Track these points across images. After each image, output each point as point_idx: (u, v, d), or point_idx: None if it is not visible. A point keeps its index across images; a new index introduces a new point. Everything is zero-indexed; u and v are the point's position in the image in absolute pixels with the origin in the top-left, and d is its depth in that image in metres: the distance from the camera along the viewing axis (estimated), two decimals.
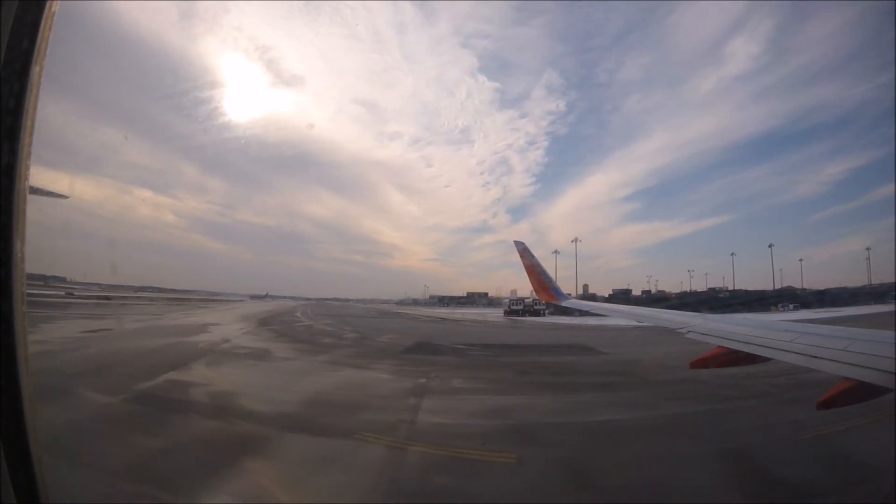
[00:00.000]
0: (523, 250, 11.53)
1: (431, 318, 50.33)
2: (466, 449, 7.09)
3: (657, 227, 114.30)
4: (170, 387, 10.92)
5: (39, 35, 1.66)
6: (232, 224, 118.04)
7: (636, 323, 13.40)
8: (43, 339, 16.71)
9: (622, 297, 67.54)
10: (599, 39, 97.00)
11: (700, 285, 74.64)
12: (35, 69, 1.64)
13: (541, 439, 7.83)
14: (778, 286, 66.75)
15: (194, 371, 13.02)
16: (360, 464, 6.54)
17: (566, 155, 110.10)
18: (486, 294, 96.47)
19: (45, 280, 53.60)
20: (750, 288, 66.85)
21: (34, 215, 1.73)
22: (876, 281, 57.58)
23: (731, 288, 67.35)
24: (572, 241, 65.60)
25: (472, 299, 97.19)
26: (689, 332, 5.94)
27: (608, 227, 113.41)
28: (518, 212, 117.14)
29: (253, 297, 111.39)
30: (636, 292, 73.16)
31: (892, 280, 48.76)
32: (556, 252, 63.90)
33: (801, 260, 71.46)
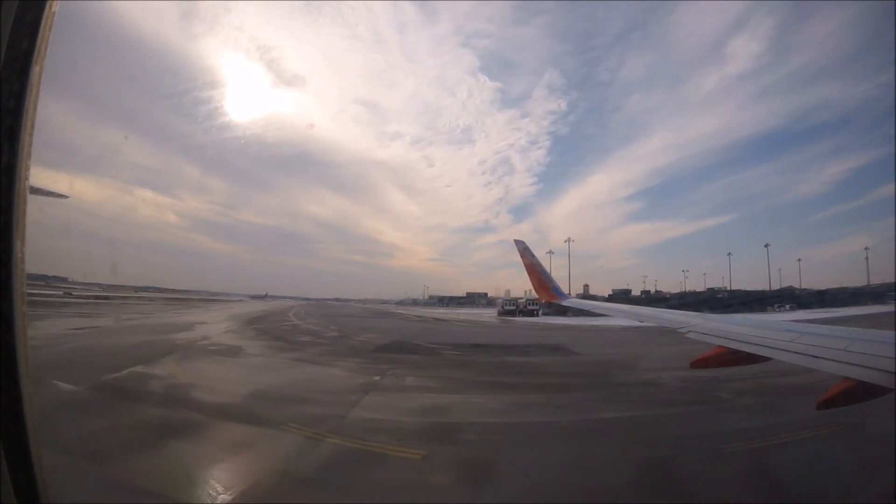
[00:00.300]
0: (523, 249, 11.54)
1: (424, 318, 50.38)
2: (379, 444, 7.28)
3: (659, 227, 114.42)
4: (132, 378, 11.57)
5: (39, 35, 1.66)
6: (233, 224, 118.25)
7: (637, 323, 13.40)
8: (30, 335, 16.92)
9: (622, 297, 67.62)
10: (600, 39, 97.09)
11: (700, 285, 74.73)
12: (35, 69, 1.64)
13: (457, 438, 7.95)
14: (778, 286, 66.82)
15: (161, 365, 13.62)
16: (267, 450, 6.98)
17: (568, 155, 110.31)
18: (485, 294, 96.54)
19: (46, 280, 53.64)
20: (750, 288, 66.95)
21: (34, 215, 1.73)
22: (878, 281, 57.50)
23: (729, 288, 67.40)
24: (565, 241, 65.53)
25: (472, 299, 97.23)
26: (689, 331, 5.93)
27: (610, 226, 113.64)
28: (520, 212, 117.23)
29: (253, 297, 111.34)
30: (636, 292, 73.32)
31: (892, 280, 48.73)
32: (550, 252, 63.84)
33: (799, 260, 71.53)
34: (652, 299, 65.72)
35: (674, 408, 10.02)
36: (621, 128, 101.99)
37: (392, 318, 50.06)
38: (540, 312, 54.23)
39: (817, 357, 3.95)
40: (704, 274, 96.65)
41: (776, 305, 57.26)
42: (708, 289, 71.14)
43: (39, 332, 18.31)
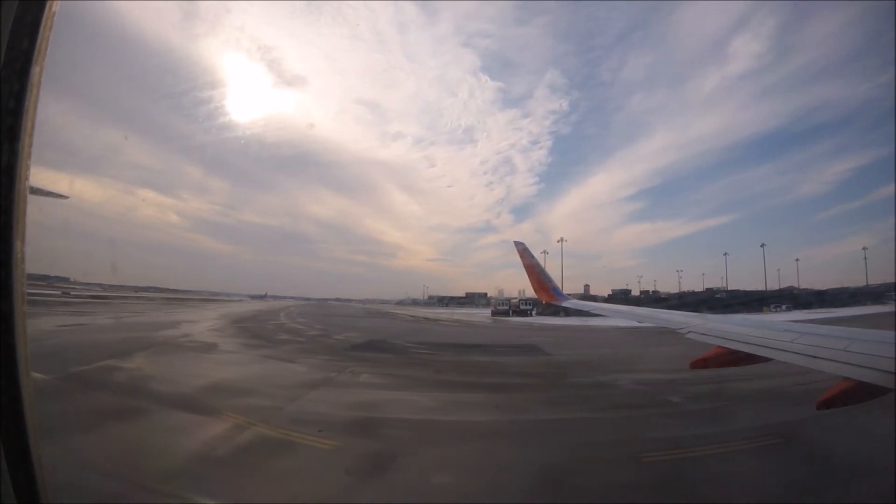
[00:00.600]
0: (523, 250, 11.56)
1: (416, 318, 50.25)
2: (298, 433, 7.64)
3: (660, 227, 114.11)
4: (100, 370, 12.14)
5: (39, 35, 1.66)
6: (235, 224, 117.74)
7: (636, 323, 13.38)
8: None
9: (621, 297, 67.59)
10: (602, 38, 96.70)
11: (699, 285, 74.71)
12: (35, 69, 1.64)
13: (375, 432, 8.18)
14: (778, 286, 66.78)
15: (133, 359, 14.15)
16: (192, 434, 7.51)
17: (569, 154, 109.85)
18: (485, 294, 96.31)
19: (48, 280, 53.64)
20: (751, 288, 66.89)
21: (34, 215, 1.73)
22: (879, 281, 57.33)
23: (726, 288, 67.39)
24: (558, 241, 65.31)
25: (472, 299, 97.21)
26: (689, 332, 5.94)
27: (611, 226, 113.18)
28: (521, 212, 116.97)
29: (253, 297, 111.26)
30: (635, 292, 73.29)
31: (892, 280, 48.72)
32: (544, 252, 63.67)
33: (797, 260, 71.44)
34: (651, 299, 65.68)
35: (615, 411, 9.88)
36: (623, 128, 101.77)
37: (384, 317, 49.96)
38: (533, 312, 54.14)
39: (817, 357, 3.96)
40: (703, 274, 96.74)
41: (772, 306, 57.14)
42: (707, 289, 71.08)
43: (29, 328, 18.43)
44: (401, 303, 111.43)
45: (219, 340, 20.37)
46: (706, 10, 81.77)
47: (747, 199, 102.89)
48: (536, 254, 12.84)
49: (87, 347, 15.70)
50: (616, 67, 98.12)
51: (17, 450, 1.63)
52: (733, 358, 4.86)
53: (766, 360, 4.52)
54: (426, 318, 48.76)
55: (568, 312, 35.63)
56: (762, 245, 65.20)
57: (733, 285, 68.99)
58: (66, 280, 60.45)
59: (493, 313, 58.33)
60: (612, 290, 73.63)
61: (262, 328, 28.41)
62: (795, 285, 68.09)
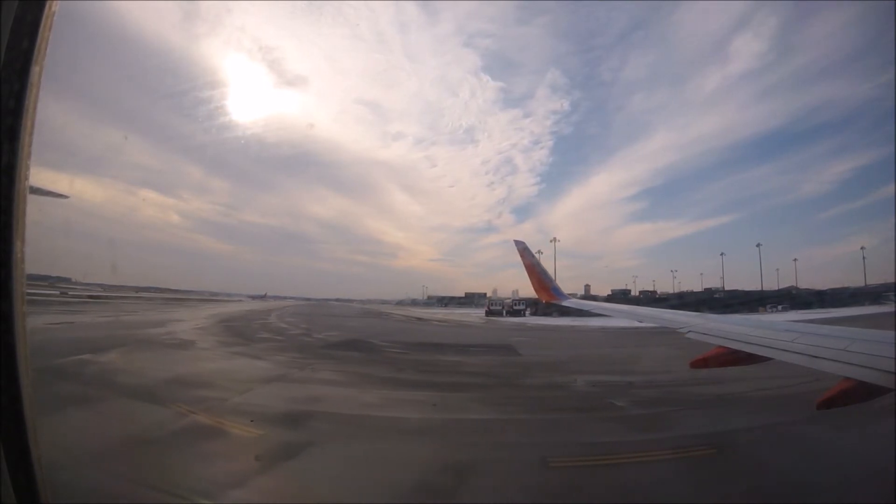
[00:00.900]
0: (523, 250, 11.53)
1: (408, 318, 49.95)
2: (232, 423, 8.10)
3: (661, 227, 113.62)
4: (74, 363, 12.59)
5: (39, 35, 1.65)
6: (236, 224, 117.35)
7: (637, 323, 13.35)
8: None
9: (621, 297, 67.58)
10: (603, 38, 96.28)
11: (697, 285, 74.67)
12: (35, 69, 1.64)
13: (303, 424, 8.35)
14: (780, 286, 66.73)
15: (108, 354, 14.67)
16: (136, 420, 8.05)
17: (571, 154, 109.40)
18: (484, 294, 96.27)
19: (49, 280, 53.54)
20: (751, 288, 66.84)
21: (34, 215, 1.72)
22: (879, 281, 57.20)
23: (723, 288, 67.35)
24: (551, 241, 65.20)
25: (471, 300, 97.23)
26: (689, 332, 5.94)
27: (612, 226, 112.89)
28: (523, 212, 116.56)
29: (253, 297, 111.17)
30: (636, 293, 73.27)
31: (892, 280, 48.66)
32: (539, 252, 63.56)
33: (795, 260, 71.37)
34: (651, 299, 65.68)
35: (552, 413, 9.75)
36: (624, 127, 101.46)
37: (376, 318, 49.71)
38: (527, 312, 53.87)
39: (817, 357, 3.96)
40: (701, 274, 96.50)
41: (768, 306, 56.97)
42: (705, 289, 71.04)
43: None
44: (400, 303, 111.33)
45: (198, 338, 20.65)
46: (707, 10, 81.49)
47: (748, 198, 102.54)
48: (534, 253, 12.79)
49: (69, 343, 15.93)
50: (617, 67, 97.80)
51: (17, 450, 1.63)
52: (734, 358, 4.85)
53: (767, 359, 4.52)
54: (418, 319, 48.46)
55: (568, 312, 35.55)
56: (758, 245, 65.11)
57: (734, 285, 68.90)
58: (67, 280, 60.35)
59: (487, 313, 57.97)
60: (612, 290, 73.66)
61: (246, 327, 28.43)
62: (795, 285, 68.16)
